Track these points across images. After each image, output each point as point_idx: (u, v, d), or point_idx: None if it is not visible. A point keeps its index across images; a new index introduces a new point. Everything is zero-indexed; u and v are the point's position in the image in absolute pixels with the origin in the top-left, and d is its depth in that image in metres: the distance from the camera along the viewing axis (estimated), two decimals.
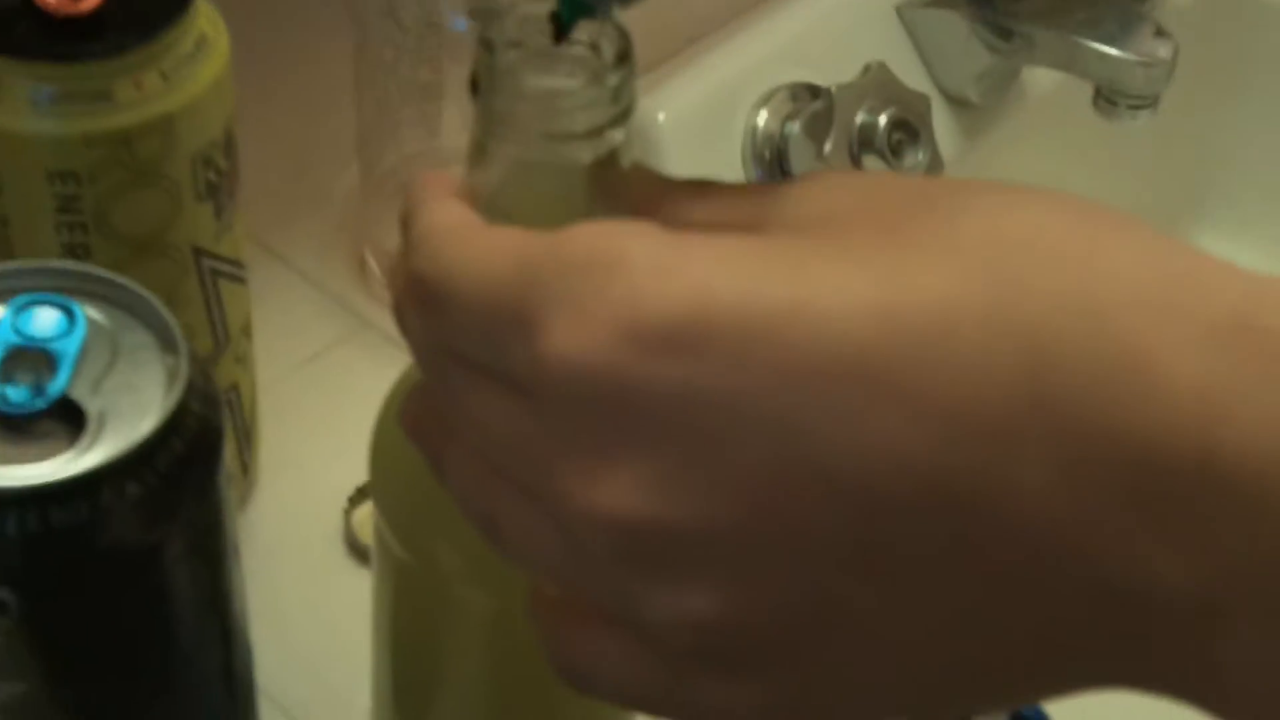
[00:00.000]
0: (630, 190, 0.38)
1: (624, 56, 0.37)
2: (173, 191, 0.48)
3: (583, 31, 0.38)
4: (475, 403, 0.34)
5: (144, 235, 0.49)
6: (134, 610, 0.39)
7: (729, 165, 0.75)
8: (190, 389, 0.39)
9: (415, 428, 0.38)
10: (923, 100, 0.73)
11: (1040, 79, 0.85)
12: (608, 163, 0.38)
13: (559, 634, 0.35)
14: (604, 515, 0.31)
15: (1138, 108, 0.77)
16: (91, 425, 0.38)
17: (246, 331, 0.55)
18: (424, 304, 0.34)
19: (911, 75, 0.76)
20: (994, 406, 0.30)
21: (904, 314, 0.30)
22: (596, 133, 0.37)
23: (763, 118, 0.75)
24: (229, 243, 0.52)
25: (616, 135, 0.37)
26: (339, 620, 0.57)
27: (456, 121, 0.69)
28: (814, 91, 0.75)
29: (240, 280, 0.53)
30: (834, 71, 0.75)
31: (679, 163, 0.71)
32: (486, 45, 0.37)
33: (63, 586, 0.37)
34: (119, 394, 0.38)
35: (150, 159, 0.47)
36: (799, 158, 0.74)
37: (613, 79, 0.37)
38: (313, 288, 0.67)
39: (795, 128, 0.74)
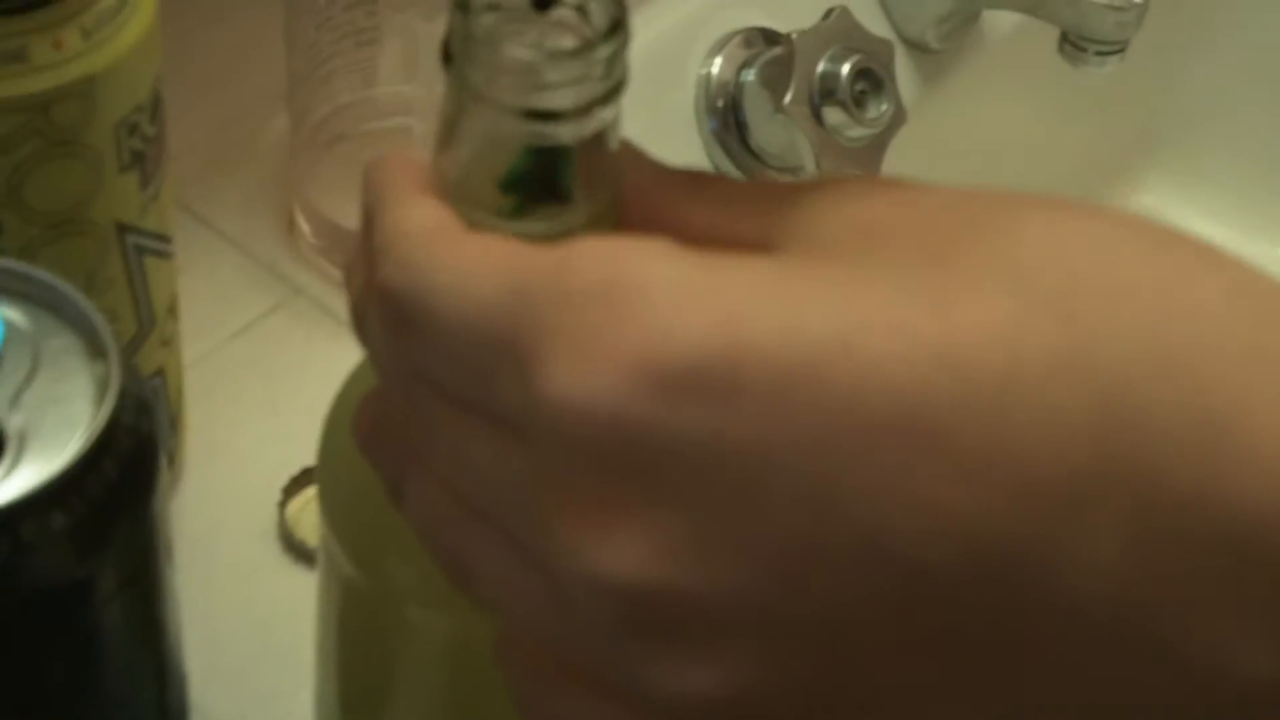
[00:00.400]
0: (619, 177, 0.34)
1: (617, 25, 0.32)
2: (94, 162, 0.44)
3: None
4: (452, 434, 0.29)
5: (62, 211, 0.44)
6: (61, 653, 0.35)
7: (681, 115, 0.71)
8: (123, 400, 0.34)
9: (371, 442, 0.33)
10: (887, 48, 0.69)
11: (999, 23, 0.81)
12: (595, 144, 0.33)
13: (537, 688, 0.31)
14: (608, 578, 0.27)
15: (1106, 54, 0.74)
16: (11, 446, 0.33)
17: (173, 311, 0.50)
18: (394, 322, 0.30)
19: (869, 19, 0.72)
20: (1060, 468, 0.26)
21: (962, 358, 0.26)
22: (583, 110, 0.33)
23: (716, 65, 0.71)
24: (155, 215, 0.47)
25: (606, 114, 0.33)
26: (273, 622, 0.53)
27: (392, 69, 0.64)
28: (769, 37, 0.71)
29: (167, 256, 0.49)
30: (789, 15, 0.71)
31: (627, 114, 0.67)
32: (461, 7, 0.32)
33: None
34: (42, 409, 0.34)
35: (69, 126, 0.42)
36: (754, 108, 0.70)
37: (603, 50, 0.32)
38: (239, 252, 0.62)
39: (750, 76, 0.70)
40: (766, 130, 0.70)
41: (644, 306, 0.26)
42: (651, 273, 0.27)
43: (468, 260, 0.29)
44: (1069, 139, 0.94)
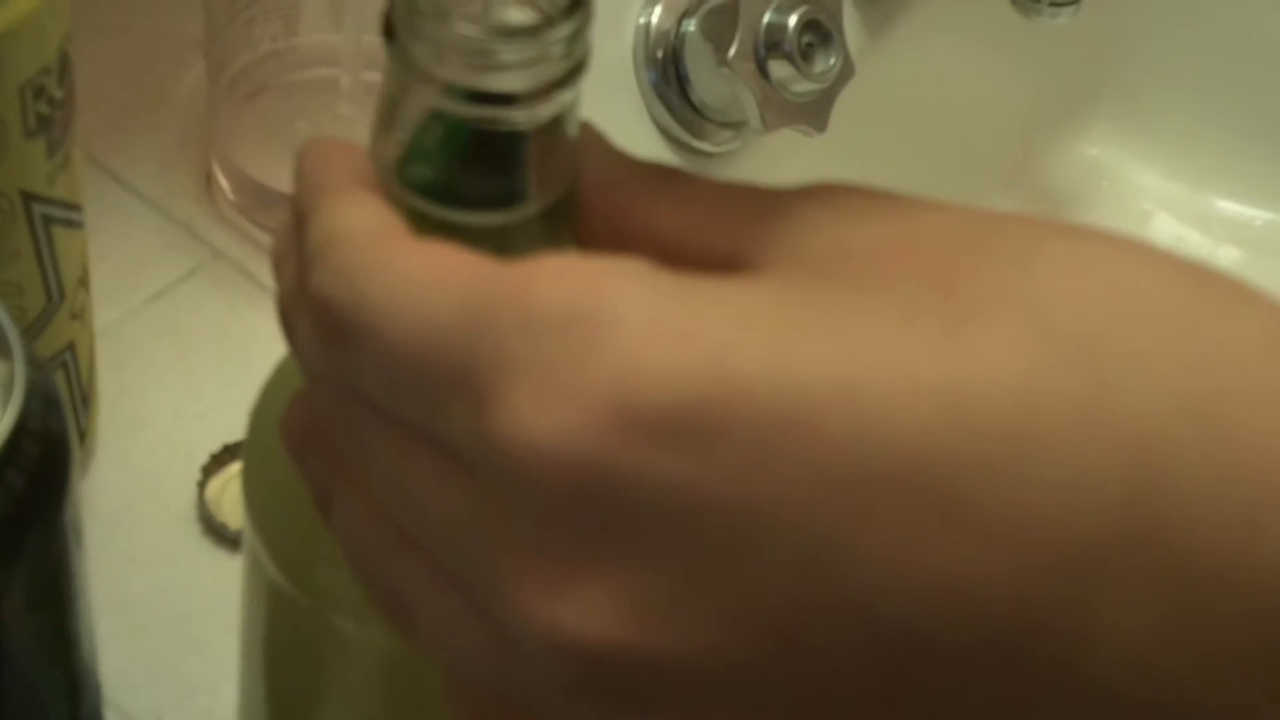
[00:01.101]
0: (577, 167, 0.31)
1: (579, 2, 0.29)
2: None
3: None
4: (390, 458, 0.27)
5: None
6: None
7: (618, 67, 0.68)
8: (29, 402, 0.31)
9: (299, 449, 0.30)
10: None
11: None
12: (551, 130, 0.30)
13: None
14: (567, 638, 0.24)
15: (1060, 5, 0.71)
16: None
17: (84, 282, 0.47)
18: (328, 333, 0.27)
19: None
20: (1084, 534, 0.23)
21: (974, 406, 0.23)
22: (540, 93, 0.30)
23: (656, 14, 0.68)
24: (64, 183, 0.44)
25: (564, 97, 0.30)
26: (193, 610, 0.50)
27: (317, 16, 0.61)
28: None
29: (77, 225, 0.45)
30: None
31: None
32: None
33: None
34: None
35: None
36: (696, 60, 0.67)
37: (563, 27, 0.29)
38: (154, 211, 0.59)
39: (691, 26, 0.67)
40: (708, 83, 0.67)
41: (617, 338, 0.24)
42: (626, 298, 0.24)
43: (416, 272, 0.26)
44: (1015, 89, 0.92)
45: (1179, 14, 0.92)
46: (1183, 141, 0.95)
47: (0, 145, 0.41)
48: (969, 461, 0.23)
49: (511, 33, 0.29)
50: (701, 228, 0.28)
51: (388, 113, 0.30)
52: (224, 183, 0.61)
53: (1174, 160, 0.96)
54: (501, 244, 0.31)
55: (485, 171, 0.30)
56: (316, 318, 0.27)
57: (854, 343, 0.23)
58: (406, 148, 0.30)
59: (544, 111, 0.30)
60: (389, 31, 0.30)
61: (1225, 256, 0.95)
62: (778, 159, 0.76)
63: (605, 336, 0.24)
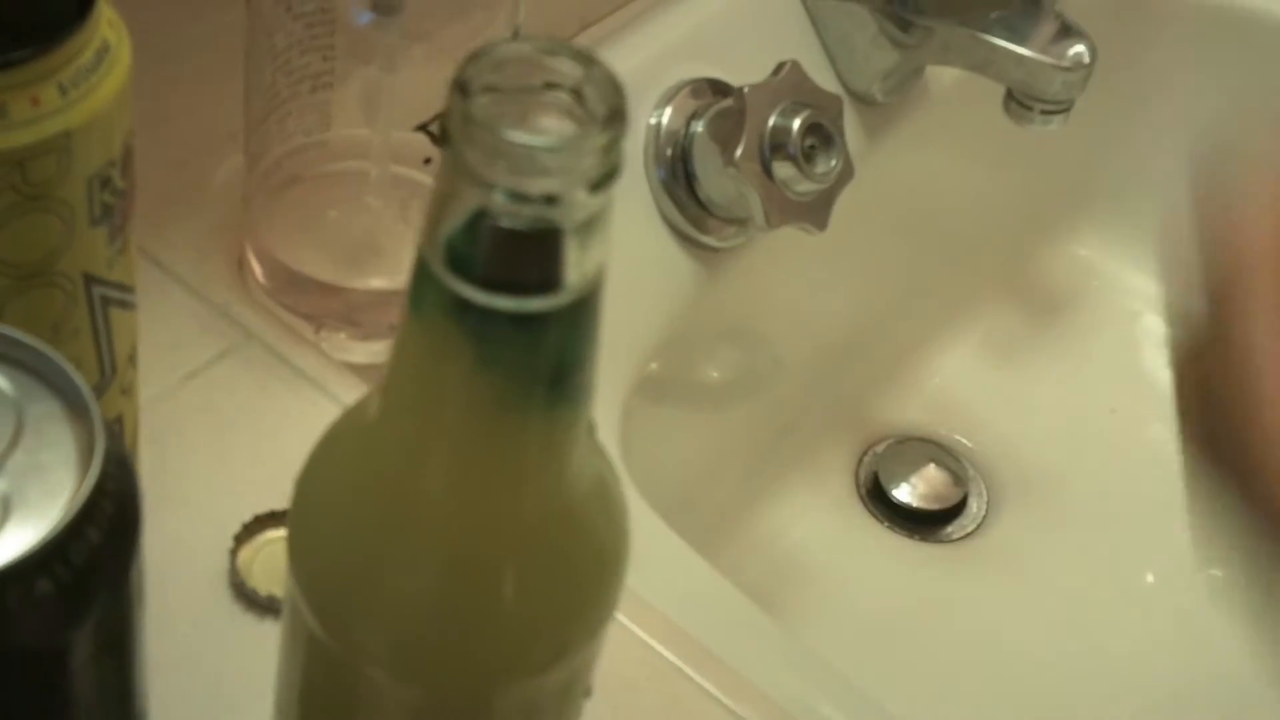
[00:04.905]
0: (607, 261, 0.35)
1: (615, 113, 0.33)
2: (66, 216, 0.44)
3: (564, 74, 0.34)
4: None
5: (33, 263, 0.44)
6: (35, 715, 0.35)
7: (629, 164, 0.71)
8: (106, 465, 0.34)
9: None
10: (836, 102, 0.70)
11: (943, 78, 0.82)
12: (587, 229, 0.34)
13: None
14: None
15: (1051, 113, 0.75)
16: None
17: (133, 360, 0.50)
18: None
19: (815, 71, 0.73)
20: None
21: None
22: (577, 196, 0.33)
23: (666, 115, 0.72)
24: (121, 267, 0.47)
25: (599, 199, 0.33)
26: (224, 672, 0.53)
27: (348, 112, 0.65)
28: (718, 88, 0.72)
29: (130, 306, 0.48)
30: (737, 67, 0.72)
31: None
32: (460, 89, 0.33)
33: None
34: (25, 475, 0.34)
35: (44, 181, 0.42)
36: (703, 159, 0.71)
37: (601, 138, 0.33)
38: (190, 295, 0.62)
39: (700, 127, 0.71)
40: (715, 181, 0.70)
41: None
42: None
43: None
44: (1008, 192, 0.95)
45: (1163, 124, 0.96)
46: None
47: (67, 231, 0.44)
48: None
49: (551, 140, 0.33)
50: None
51: (440, 207, 0.34)
52: (257, 268, 0.64)
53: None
54: (536, 327, 0.34)
55: (525, 263, 0.34)
56: None
57: None
58: (455, 239, 0.34)
59: (581, 212, 0.33)
60: (444, 137, 0.33)
61: None
62: (780, 255, 0.79)
63: None
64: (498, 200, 0.33)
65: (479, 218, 0.33)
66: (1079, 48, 0.74)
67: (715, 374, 0.86)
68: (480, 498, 0.37)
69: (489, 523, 0.37)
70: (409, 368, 0.37)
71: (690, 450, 0.82)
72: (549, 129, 0.33)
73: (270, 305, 0.63)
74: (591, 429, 0.38)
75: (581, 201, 0.33)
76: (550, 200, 0.33)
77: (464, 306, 0.34)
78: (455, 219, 0.34)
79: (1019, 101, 0.75)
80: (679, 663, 0.55)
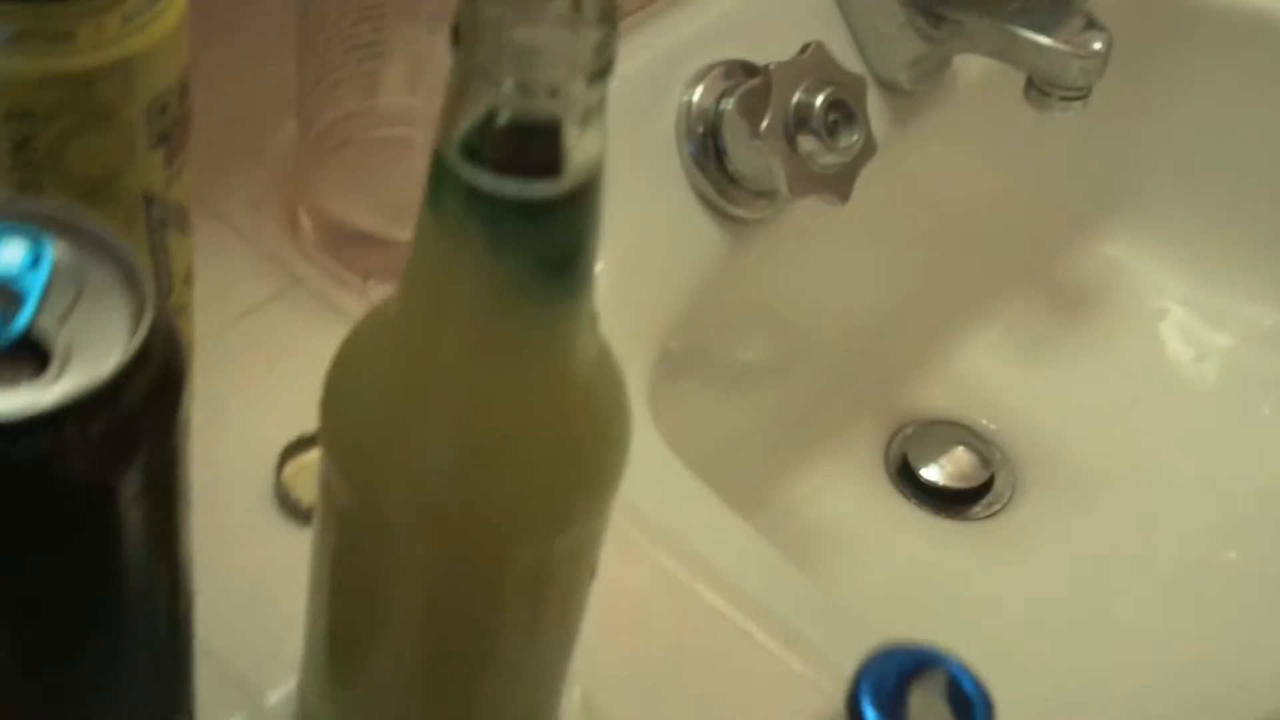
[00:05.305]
0: (605, 153, 0.39)
1: (605, 15, 0.37)
2: (127, 136, 0.48)
3: None
4: None
5: (96, 179, 0.48)
6: (88, 547, 0.39)
7: (662, 140, 0.76)
8: (154, 328, 0.38)
9: None
10: (859, 82, 0.74)
11: (969, 68, 0.86)
12: (584, 119, 0.38)
13: None
14: None
15: (1070, 99, 0.78)
16: (56, 360, 0.37)
17: (188, 281, 0.55)
18: None
19: (844, 58, 0.77)
20: None
21: None
22: (575, 88, 0.37)
23: (697, 94, 0.76)
24: (178, 190, 0.51)
25: (595, 93, 0.38)
26: (268, 573, 0.57)
27: (396, 81, 0.69)
28: (748, 69, 0.76)
29: (185, 230, 0.53)
30: (767, 51, 0.76)
31: (613, 138, 0.72)
32: None
33: (23, 516, 0.37)
34: (84, 330, 0.38)
35: (107, 102, 0.47)
36: (732, 134, 0.75)
37: (594, 35, 0.37)
38: (247, 244, 0.67)
39: (729, 104, 0.75)
40: (743, 156, 0.74)
41: None
42: None
43: None
44: (1032, 188, 0.98)
45: (1191, 122, 0.99)
46: (1196, 242, 1.02)
47: (128, 151, 0.48)
48: None
49: (552, 38, 0.37)
50: None
51: (453, 105, 0.38)
52: (307, 223, 0.69)
53: (1188, 260, 1.02)
54: (541, 212, 0.39)
55: (530, 151, 0.38)
56: None
57: None
58: (468, 133, 0.38)
59: (579, 104, 0.37)
60: (456, 38, 0.37)
61: (1235, 352, 1.01)
62: (806, 240, 0.83)
63: None
64: (505, 94, 0.37)
65: (488, 112, 0.37)
66: (1096, 37, 0.78)
67: (742, 354, 0.89)
68: (494, 373, 0.41)
69: (502, 395, 0.41)
70: (427, 261, 0.41)
71: (717, 427, 0.85)
72: (550, 30, 0.38)
73: (318, 257, 0.68)
74: (594, 320, 0.42)
75: (580, 94, 0.37)
76: (552, 92, 0.37)
77: (476, 195, 0.38)
78: (467, 115, 0.38)
79: (1039, 89, 0.79)
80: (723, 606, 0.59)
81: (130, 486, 0.38)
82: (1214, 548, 0.92)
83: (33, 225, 0.39)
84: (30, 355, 0.38)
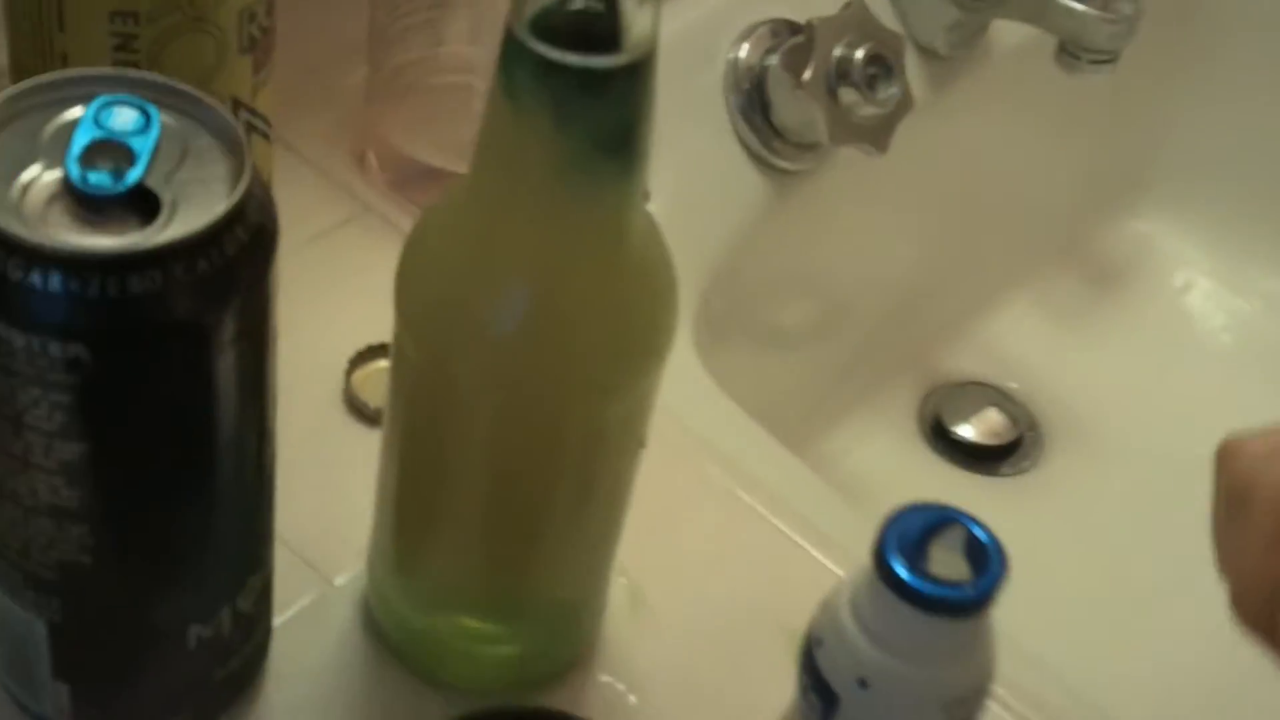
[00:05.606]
0: (657, 36, 0.43)
1: None
2: (220, 40, 0.52)
3: None
4: None
5: (191, 79, 0.52)
6: (191, 381, 0.43)
7: (710, 94, 0.80)
8: (251, 187, 0.42)
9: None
10: (897, 39, 0.78)
11: (1006, 37, 0.89)
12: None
13: None
14: None
15: (1099, 63, 0.82)
16: (165, 210, 0.42)
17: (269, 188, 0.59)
18: None
19: (884, 20, 0.80)
20: None
21: None
22: None
23: (744, 50, 0.80)
24: (264, 99, 0.56)
25: None
26: (337, 469, 0.61)
27: (459, 31, 0.73)
28: (793, 28, 0.80)
29: (268, 137, 0.57)
30: (810, 10, 0.80)
31: (663, 93, 0.76)
32: None
33: (134, 349, 0.41)
34: (189, 186, 0.42)
35: (205, 5, 0.51)
36: (776, 88, 0.79)
37: None
38: (319, 175, 0.71)
39: (774, 60, 0.79)
40: (787, 108, 0.78)
41: None
42: None
43: None
44: (1067, 161, 1.02)
45: (1221, 100, 1.03)
46: (1225, 218, 1.05)
47: (220, 54, 0.53)
48: None
49: None
50: None
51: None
52: (374, 160, 0.73)
53: (1217, 235, 1.05)
54: (602, 85, 0.43)
55: (592, 25, 0.42)
56: None
57: None
58: (537, 10, 0.42)
59: None
60: None
61: (1257, 322, 1.05)
62: (844, 195, 0.87)
63: None
64: None
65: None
66: (1126, 3, 0.81)
67: (781, 313, 0.93)
68: (556, 241, 0.45)
69: (563, 262, 0.45)
70: (497, 138, 0.45)
71: (755, 383, 0.89)
72: None
73: (385, 190, 0.72)
74: (647, 195, 0.46)
75: None
76: None
77: (544, 69, 0.42)
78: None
79: (1069, 52, 0.83)
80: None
81: (227, 329, 0.43)
82: None
83: (143, 95, 0.43)
84: (141, 207, 0.42)
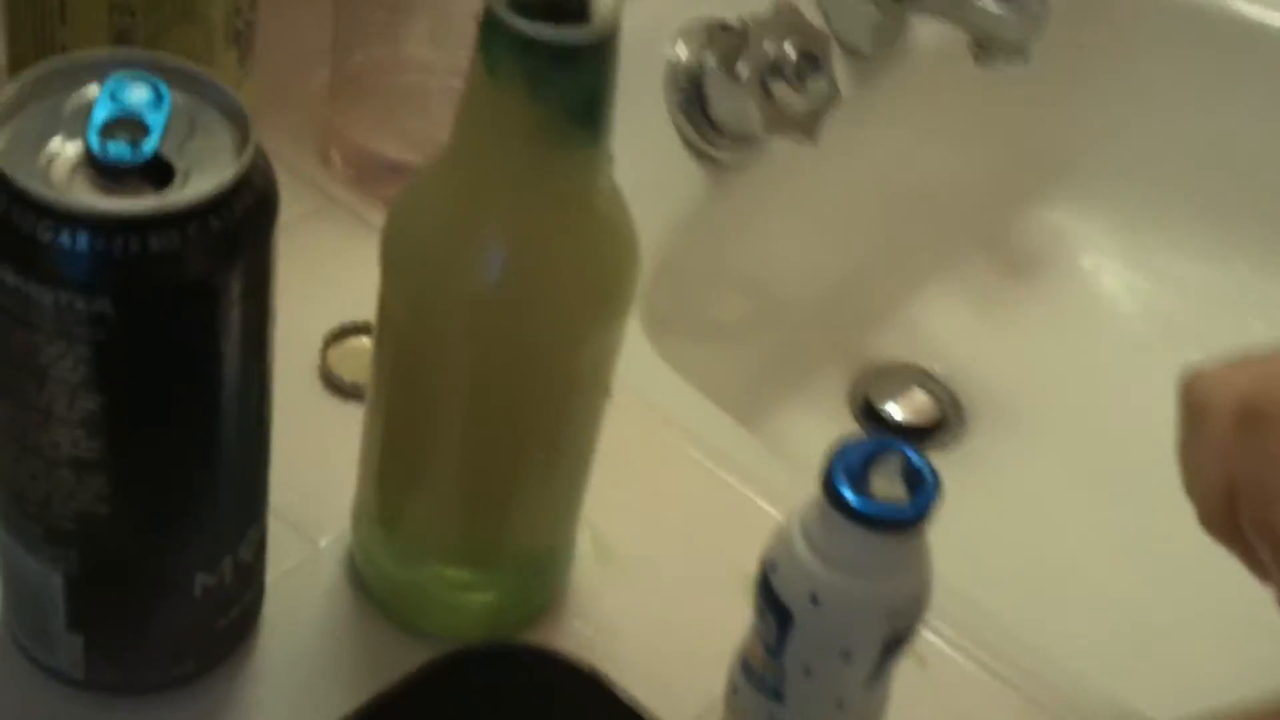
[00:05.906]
0: (622, 9, 0.47)
1: None
2: (209, 31, 0.57)
3: None
4: None
5: None
6: (203, 333, 0.47)
7: (650, 90, 0.84)
8: (256, 156, 0.47)
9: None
10: (825, 38, 0.83)
11: (927, 38, 0.94)
12: None
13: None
14: None
15: (1011, 56, 0.87)
16: (179, 177, 0.46)
17: None
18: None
19: (812, 19, 0.85)
20: None
21: None
22: None
23: (681, 51, 0.84)
24: (247, 91, 0.60)
25: None
26: (316, 440, 0.65)
27: (419, 35, 0.78)
28: (727, 28, 0.85)
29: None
30: (742, 10, 0.84)
31: None
32: None
33: (153, 303, 0.46)
34: (199, 156, 0.47)
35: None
36: (713, 85, 0.83)
37: None
38: (286, 170, 0.74)
39: (711, 59, 0.83)
40: (723, 103, 0.83)
41: None
42: None
43: None
44: (984, 156, 1.07)
45: (1128, 97, 1.08)
46: (1131, 206, 1.10)
47: (209, 44, 0.57)
48: None
49: None
50: None
51: None
52: (338, 157, 0.77)
53: (1123, 222, 1.11)
54: (572, 56, 0.47)
55: (562, 5, 0.47)
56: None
57: None
58: None
59: None
60: None
61: (1168, 306, 1.10)
62: (777, 192, 0.91)
63: None
64: None
65: None
66: (1035, 2, 0.87)
67: (717, 306, 0.97)
68: (530, 201, 0.50)
69: (537, 220, 0.50)
70: (476, 107, 0.50)
71: (693, 373, 0.93)
72: None
73: (348, 184, 0.76)
74: (611, 160, 0.51)
75: None
76: None
77: (519, 41, 0.47)
78: None
79: (983, 47, 0.88)
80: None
81: (236, 286, 0.47)
82: (1142, 481, 1.00)
83: (155, 73, 0.48)
84: (157, 175, 0.46)
